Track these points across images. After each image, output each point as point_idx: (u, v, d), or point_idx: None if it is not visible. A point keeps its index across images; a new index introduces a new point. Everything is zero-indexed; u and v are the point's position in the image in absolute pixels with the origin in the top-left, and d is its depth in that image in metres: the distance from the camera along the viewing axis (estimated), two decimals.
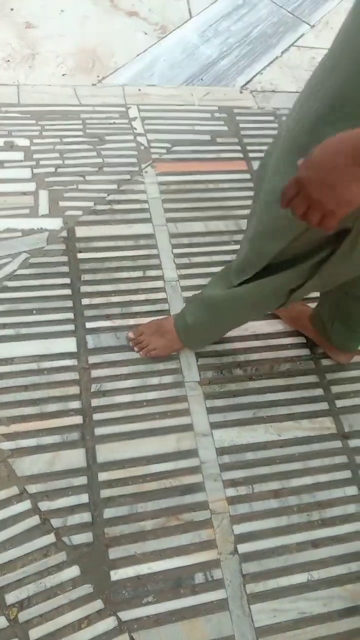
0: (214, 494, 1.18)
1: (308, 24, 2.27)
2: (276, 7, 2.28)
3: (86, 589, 1.05)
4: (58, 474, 1.15)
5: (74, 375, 1.27)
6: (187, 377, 1.33)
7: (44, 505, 1.12)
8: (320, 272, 0.90)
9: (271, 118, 1.93)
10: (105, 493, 1.15)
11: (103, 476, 1.17)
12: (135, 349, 1.33)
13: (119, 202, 1.59)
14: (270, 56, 2.13)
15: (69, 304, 1.37)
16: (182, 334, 1.28)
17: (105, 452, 1.19)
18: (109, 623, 1.03)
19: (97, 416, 1.22)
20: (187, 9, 2.18)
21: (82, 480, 1.15)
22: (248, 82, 2.03)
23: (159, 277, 1.48)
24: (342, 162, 0.60)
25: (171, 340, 1.31)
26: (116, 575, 1.07)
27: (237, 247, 1.57)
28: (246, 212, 1.65)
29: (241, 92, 1.98)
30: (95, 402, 1.24)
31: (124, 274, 1.46)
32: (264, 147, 1.79)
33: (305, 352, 1.42)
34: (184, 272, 1.50)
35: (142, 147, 1.73)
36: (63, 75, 1.87)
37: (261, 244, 0.91)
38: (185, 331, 1.27)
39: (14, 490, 1.12)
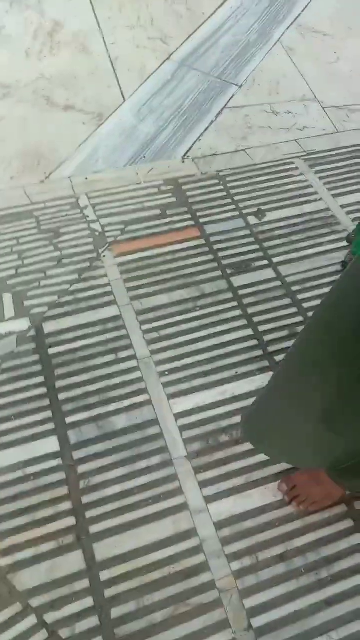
0: (219, 571, 1.17)
1: (236, 84, 2.39)
2: (203, 76, 2.41)
3: None
4: (59, 582, 1.14)
5: (60, 476, 1.27)
6: (174, 453, 1.33)
7: (50, 617, 1.10)
8: None
9: (215, 181, 2.01)
10: (110, 592, 1.14)
11: (105, 575, 1.16)
12: (293, 503, 1.25)
13: (82, 290, 1.64)
14: (206, 122, 2.24)
15: (46, 402, 1.39)
16: (337, 477, 1.16)
17: (104, 550, 1.18)
18: None
19: (89, 513, 1.22)
20: (119, 93, 2.30)
21: (84, 583, 1.14)
22: (188, 150, 2.12)
23: (132, 357, 1.50)
24: None
25: (329, 487, 1.21)
26: None
27: (202, 312, 1.62)
28: (205, 276, 1.70)
29: (183, 162, 2.07)
30: (85, 499, 1.24)
31: (97, 360, 1.49)
32: (213, 211, 1.86)
33: None
34: (154, 347, 1.53)
35: (97, 233, 1.79)
36: (11, 178, 1.95)
37: None
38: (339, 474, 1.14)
39: (17, 607, 1.11)
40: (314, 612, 1.13)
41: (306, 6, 2.83)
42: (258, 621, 1.12)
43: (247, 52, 2.53)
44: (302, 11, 2.81)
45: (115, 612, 1.11)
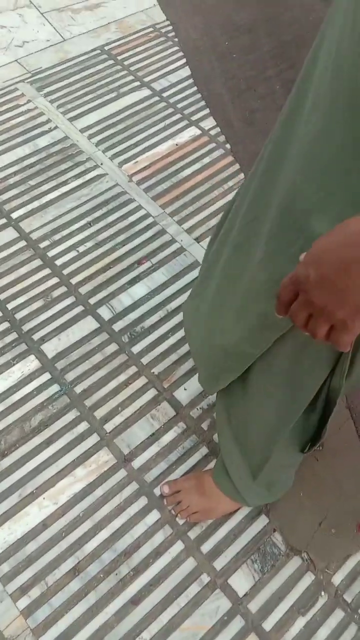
0: (5, 617, 1.00)
1: None
2: None
3: None
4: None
5: None
6: None
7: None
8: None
9: None
10: None
11: None
12: (173, 511, 1.09)
13: None
14: None
15: None
16: (233, 493, 1.01)
17: None
18: None
19: None
20: None
21: None
22: None
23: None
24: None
25: (217, 501, 1.06)
26: None
27: None
28: None
29: None
30: None
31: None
32: None
33: (55, 388, 1.24)
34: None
35: None
36: None
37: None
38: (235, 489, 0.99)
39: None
40: (120, 618, 1.02)
41: None
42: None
43: None
44: None
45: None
